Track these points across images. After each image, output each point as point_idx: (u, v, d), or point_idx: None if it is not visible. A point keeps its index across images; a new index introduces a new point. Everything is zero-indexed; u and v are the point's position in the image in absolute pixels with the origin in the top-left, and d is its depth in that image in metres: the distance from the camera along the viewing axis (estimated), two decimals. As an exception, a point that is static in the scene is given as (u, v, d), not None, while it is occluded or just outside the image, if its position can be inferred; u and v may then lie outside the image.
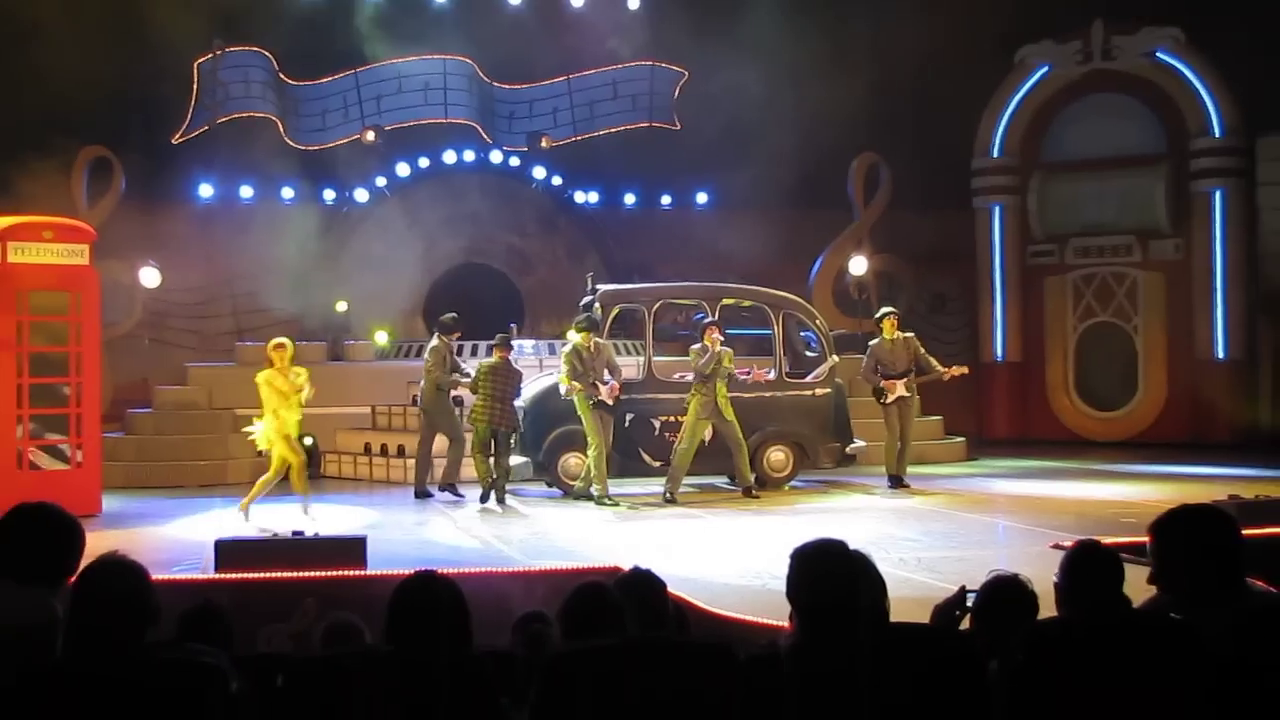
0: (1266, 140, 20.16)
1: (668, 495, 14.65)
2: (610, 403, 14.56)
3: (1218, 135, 20.64)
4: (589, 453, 14.61)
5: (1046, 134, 22.21)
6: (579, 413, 14.59)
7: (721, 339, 14.70)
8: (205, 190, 21.52)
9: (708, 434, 14.90)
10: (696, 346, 14.77)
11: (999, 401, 22.37)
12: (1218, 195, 20.67)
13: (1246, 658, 3.82)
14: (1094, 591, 4.01)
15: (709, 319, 15.04)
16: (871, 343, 15.89)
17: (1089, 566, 4.06)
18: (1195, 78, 20.79)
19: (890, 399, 15.56)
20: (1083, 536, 4.40)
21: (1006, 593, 4.61)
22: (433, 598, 3.88)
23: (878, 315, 16.13)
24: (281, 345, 13.67)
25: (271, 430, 13.41)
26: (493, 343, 15.31)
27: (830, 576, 3.84)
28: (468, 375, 15.07)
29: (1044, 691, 3.77)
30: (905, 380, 15.60)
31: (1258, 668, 3.79)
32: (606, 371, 14.70)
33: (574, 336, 14.86)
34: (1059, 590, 4.09)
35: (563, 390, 14.69)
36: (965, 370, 16.10)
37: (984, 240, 22.54)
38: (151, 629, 3.66)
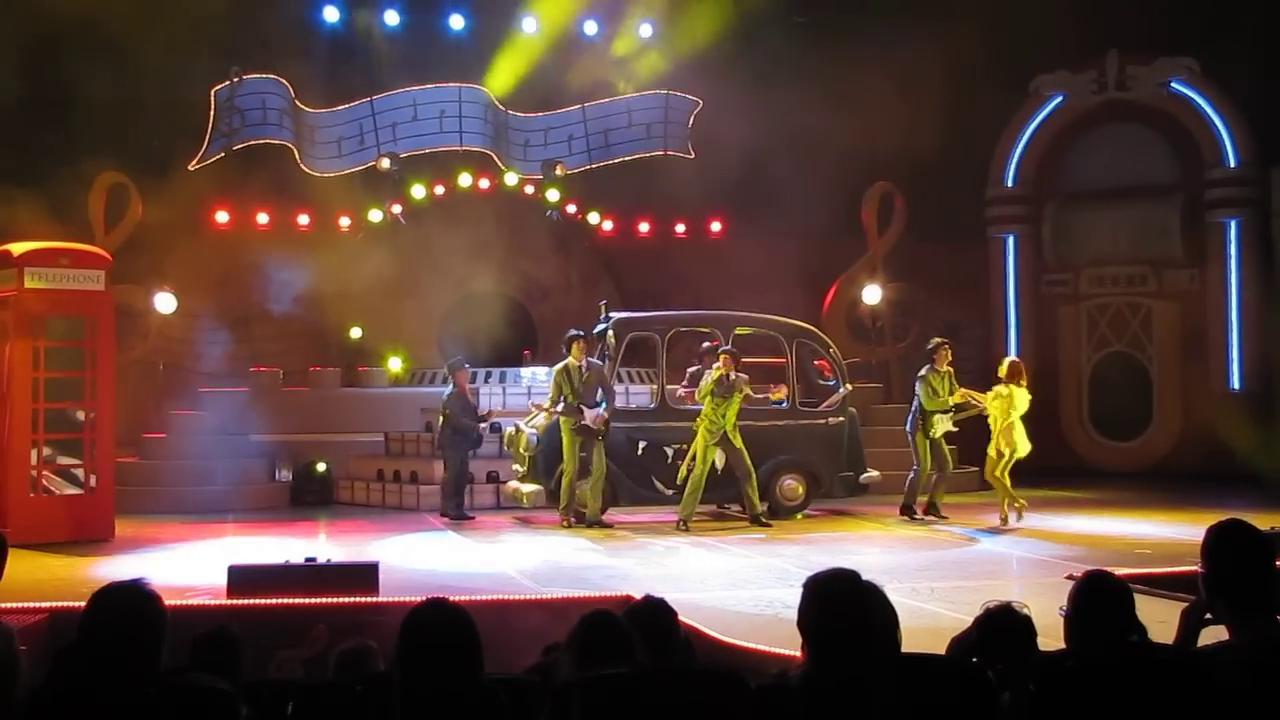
0: (1281, 170, 20.16)
1: (681, 522, 14.65)
2: (594, 428, 14.59)
3: (1232, 165, 20.63)
4: (589, 479, 14.68)
5: (1061, 164, 22.22)
6: (560, 434, 14.69)
7: (736, 367, 14.72)
8: (221, 216, 21.60)
9: (719, 460, 14.89)
10: (705, 371, 14.79)
11: (1012, 431, 22.28)
12: (1233, 225, 20.65)
13: (1261, 692, 3.80)
14: (1104, 622, 3.99)
15: (726, 347, 15.04)
16: (925, 374, 15.36)
17: (1099, 597, 4.05)
18: (1210, 108, 20.80)
19: (938, 432, 15.29)
20: (1094, 567, 4.38)
21: (1002, 622, 4.61)
22: (443, 625, 3.88)
23: (932, 344, 15.65)
24: (1016, 363, 15.05)
25: (1014, 441, 14.50)
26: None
27: (842, 607, 3.84)
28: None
29: (1054, 723, 3.76)
30: (951, 414, 15.33)
31: (1267, 701, 3.78)
32: (600, 392, 14.75)
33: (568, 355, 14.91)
34: (1068, 621, 4.07)
35: (540, 419, 14.86)
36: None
37: (998, 270, 22.54)
38: (158, 659, 3.65)
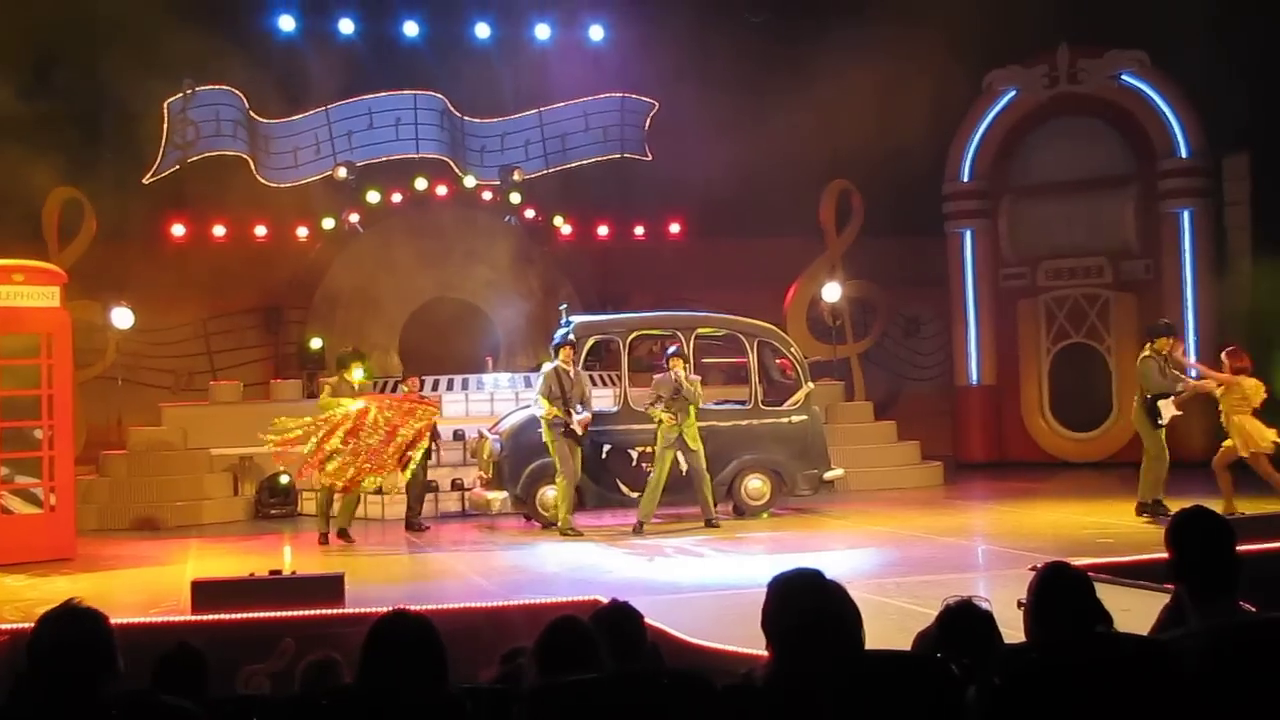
0: (1232, 160, 20.33)
1: (638, 525, 14.66)
2: (580, 432, 14.56)
3: (1184, 156, 20.80)
4: (557, 482, 14.63)
5: (1015, 158, 22.35)
6: (545, 440, 14.60)
7: (688, 370, 14.73)
8: (177, 229, 21.49)
9: (683, 464, 14.87)
10: (659, 377, 14.80)
11: (974, 425, 22.44)
12: (1186, 215, 20.82)
13: (1217, 675, 3.84)
14: (1063, 613, 4.02)
15: (675, 349, 15.02)
16: (1147, 355, 14.12)
17: (1058, 588, 4.08)
18: (1161, 99, 20.97)
19: (1166, 419, 13.91)
20: (1054, 558, 4.42)
21: (962, 617, 4.63)
22: (406, 635, 3.87)
23: (1154, 327, 14.57)
24: (1235, 350, 13.80)
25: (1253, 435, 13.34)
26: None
27: (805, 605, 3.85)
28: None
29: (1018, 716, 3.78)
30: (1173, 399, 13.98)
31: (1228, 685, 3.82)
32: (579, 402, 14.74)
33: (551, 361, 14.85)
34: (1027, 612, 4.10)
35: (541, 411, 14.65)
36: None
37: (956, 264, 22.65)
38: (114, 676, 3.62)
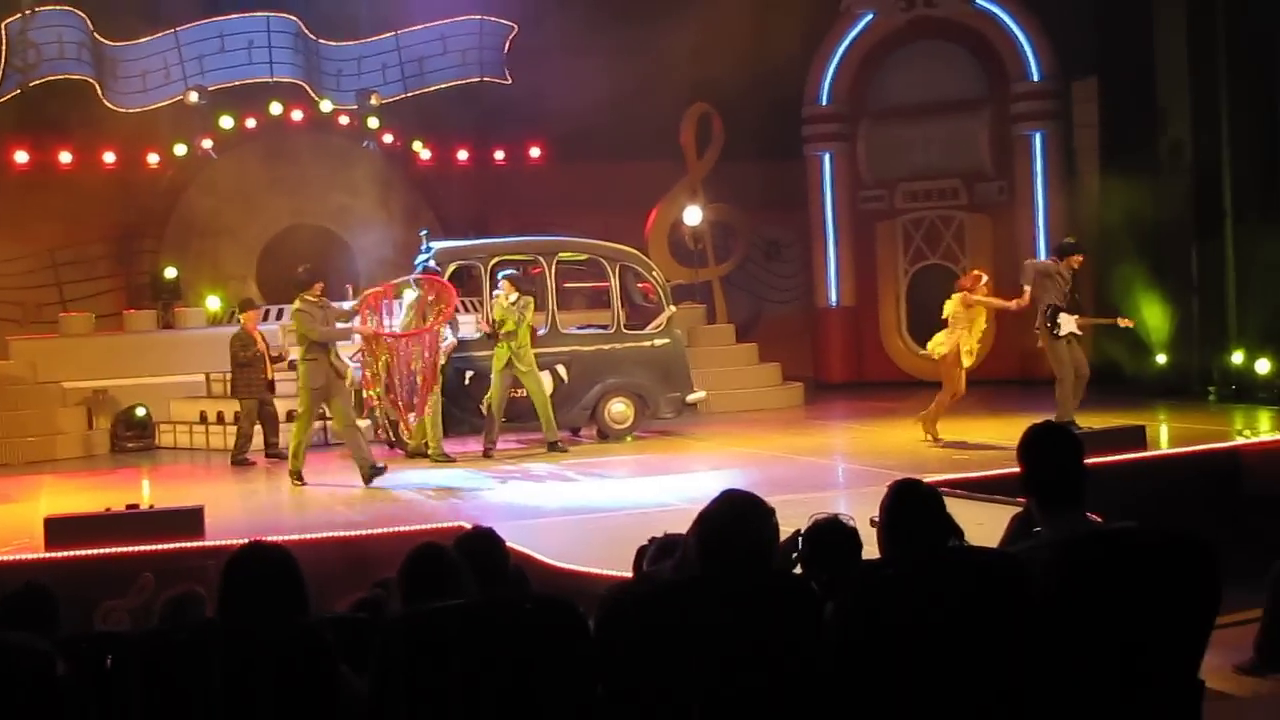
0: (1080, 83, 20.72)
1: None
2: (443, 360, 14.53)
3: (1036, 79, 21.13)
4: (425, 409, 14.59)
5: (873, 81, 22.49)
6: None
7: (520, 291, 14.75)
8: (20, 156, 20.74)
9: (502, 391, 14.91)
10: (498, 293, 14.75)
11: (834, 346, 22.72)
12: (1037, 138, 21.18)
13: (1065, 584, 3.97)
14: (914, 528, 4.12)
15: (506, 272, 15.00)
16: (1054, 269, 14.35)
17: (908, 504, 4.18)
18: (1013, 23, 21.22)
19: (1063, 332, 14.01)
20: (911, 475, 4.52)
21: (827, 535, 4.72)
22: (264, 567, 3.84)
23: (1068, 246, 14.64)
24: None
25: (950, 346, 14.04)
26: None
27: (737, 514, 4.09)
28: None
29: (873, 630, 3.87)
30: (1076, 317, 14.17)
31: (1076, 594, 3.95)
32: (447, 328, 14.67)
33: (411, 293, 14.73)
34: (880, 529, 4.20)
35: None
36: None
37: (815, 187, 22.78)
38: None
